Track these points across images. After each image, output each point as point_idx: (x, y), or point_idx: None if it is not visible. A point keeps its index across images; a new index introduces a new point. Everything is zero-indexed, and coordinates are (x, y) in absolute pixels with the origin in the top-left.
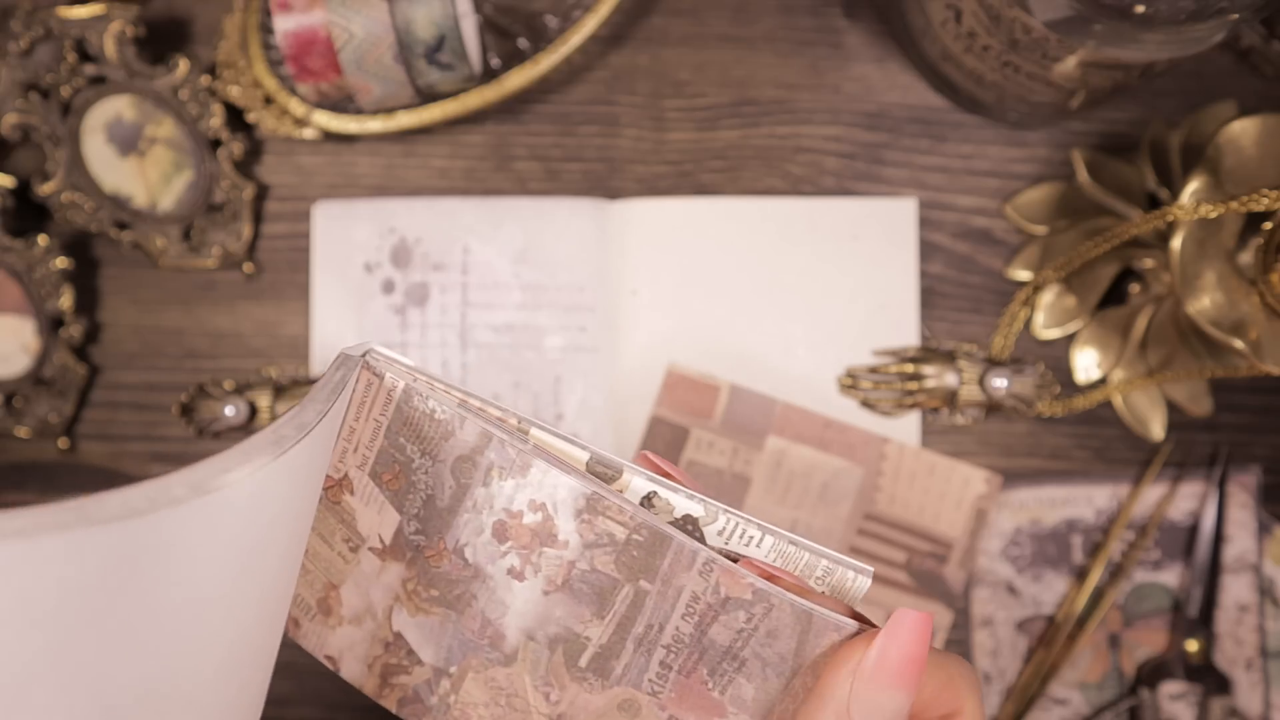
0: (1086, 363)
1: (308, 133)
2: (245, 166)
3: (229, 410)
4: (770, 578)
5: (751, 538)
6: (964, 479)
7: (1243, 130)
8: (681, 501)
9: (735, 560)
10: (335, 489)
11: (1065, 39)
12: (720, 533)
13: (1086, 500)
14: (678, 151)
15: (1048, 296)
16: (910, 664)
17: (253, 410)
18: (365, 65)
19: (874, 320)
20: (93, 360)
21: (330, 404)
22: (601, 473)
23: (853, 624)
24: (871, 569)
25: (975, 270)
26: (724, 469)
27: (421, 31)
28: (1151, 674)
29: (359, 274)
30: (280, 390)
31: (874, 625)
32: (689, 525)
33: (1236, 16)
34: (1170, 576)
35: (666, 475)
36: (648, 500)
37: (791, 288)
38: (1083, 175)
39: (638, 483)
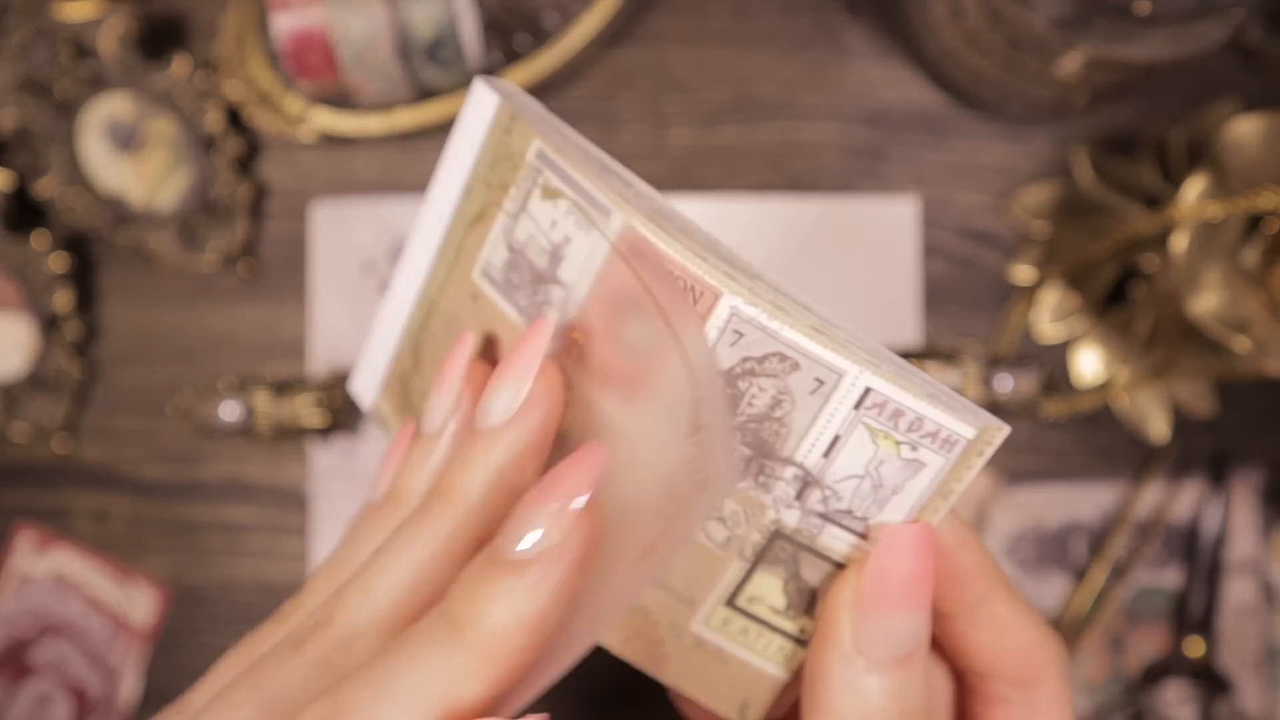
0: (1089, 363)
1: (306, 131)
2: (243, 165)
3: (228, 410)
4: None
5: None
6: None
7: (1247, 129)
8: None
9: None
10: None
11: (1068, 37)
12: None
13: (1089, 501)
14: (678, 150)
15: (1050, 296)
16: (913, 580)
17: (251, 410)
18: (364, 63)
19: (875, 320)
20: (91, 360)
21: None
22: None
23: None
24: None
25: (977, 269)
26: None
27: (420, 29)
28: (1154, 675)
29: (357, 273)
30: (279, 390)
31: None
32: None
33: (1240, 15)
34: (1173, 578)
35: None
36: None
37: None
38: (1085, 174)
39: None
